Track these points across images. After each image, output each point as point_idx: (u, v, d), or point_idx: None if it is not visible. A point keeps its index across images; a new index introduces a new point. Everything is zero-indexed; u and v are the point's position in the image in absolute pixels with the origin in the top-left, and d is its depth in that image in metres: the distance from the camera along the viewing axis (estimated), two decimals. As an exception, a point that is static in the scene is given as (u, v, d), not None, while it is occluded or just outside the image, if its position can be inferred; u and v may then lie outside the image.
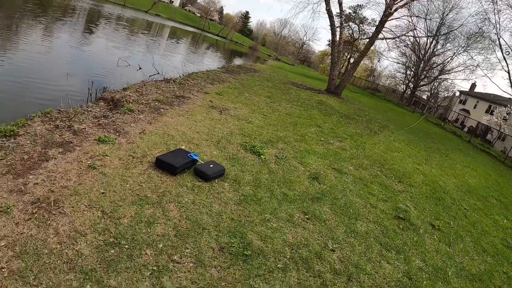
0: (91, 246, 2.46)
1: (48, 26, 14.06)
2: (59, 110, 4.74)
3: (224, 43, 58.30)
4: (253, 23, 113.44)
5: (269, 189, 4.06)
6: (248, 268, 2.66)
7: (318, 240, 3.34)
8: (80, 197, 3.02)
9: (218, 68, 16.39)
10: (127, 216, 2.90)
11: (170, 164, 3.73)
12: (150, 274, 2.36)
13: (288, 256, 2.95)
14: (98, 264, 2.32)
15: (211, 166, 3.95)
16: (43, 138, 3.78)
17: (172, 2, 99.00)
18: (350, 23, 38.49)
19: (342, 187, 4.82)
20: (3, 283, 1.99)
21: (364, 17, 39.26)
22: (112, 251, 2.46)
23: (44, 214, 2.70)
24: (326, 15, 17.88)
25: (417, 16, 23.77)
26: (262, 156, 4.97)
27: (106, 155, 3.75)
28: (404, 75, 44.15)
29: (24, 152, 3.47)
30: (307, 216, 3.71)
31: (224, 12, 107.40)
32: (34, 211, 2.71)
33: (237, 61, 26.79)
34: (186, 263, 2.55)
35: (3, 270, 2.08)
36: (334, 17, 18.22)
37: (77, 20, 21.24)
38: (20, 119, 4.09)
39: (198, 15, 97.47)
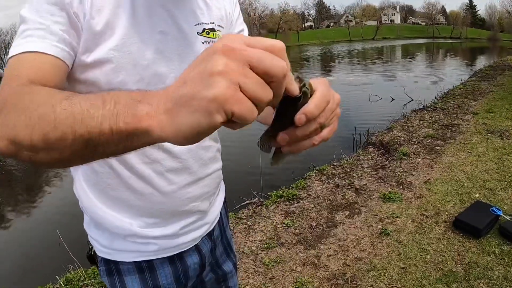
0: None
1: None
2: (333, 165, 4.61)
3: (460, 43, 51.59)
4: (481, 10, 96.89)
5: None
6: None
7: None
8: (378, 273, 2.58)
9: (470, 77, 14.08)
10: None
11: (472, 226, 2.95)
12: None
13: None
14: None
15: (519, 223, 2.93)
16: (326, 200, 3.62)
17: (393, 21, 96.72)
18: None
19: None
20: None
21: None
22: None
23: (342, 293, 2.38)
24: None
25: None
26: None
27: (397, 217, 3.22)
28: None
29: (310, 218, 3.35)
30: None
31: (448, 10, 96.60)
32: (330, 290, 2.44)
33: (482, 61, 22.73)
34: None
35: None
36: None
37: (313, 66, 23.15)
38: (300, 181, 4.11)
39: (423, 23, 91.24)
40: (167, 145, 0.85)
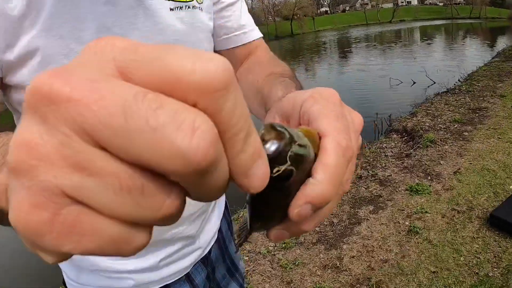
0: None
1: (308, 63, 15.23)
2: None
3: (480, 23, 49.20)
4: None
5: None
6: None
7: None
8: (406, 278, 2.30)
9: (493, 57, 13.31)
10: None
11: (509, 223, 2.59)
12: None
13: None
14: None
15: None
16: (348, 193, 3.31)
17: (410, 2, 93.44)
18: None
19: None
20: None
21: None
22: None
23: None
24: None
25: None
26: None
27: (426, 212, 2.89)
28: None
29: (332, 214, 3.06)
30: None
31: None
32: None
33: (504, 41, 21.69)
34: None
35: None
36: None
37: (330, 51, 22.55)
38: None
39: (441, 4, 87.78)
40: None
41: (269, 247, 2.76)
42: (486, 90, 7.13)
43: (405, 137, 4.65)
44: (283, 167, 0.22)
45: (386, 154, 4.09)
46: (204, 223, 0.85)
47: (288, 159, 0.22)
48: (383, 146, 4.40)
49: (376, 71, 11.98)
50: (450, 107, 5.78)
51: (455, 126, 4.79)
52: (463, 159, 3.77)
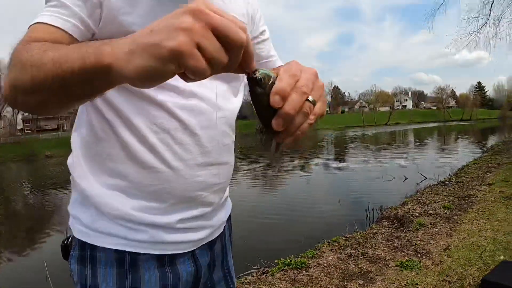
0: None
1: (307, 161, 15.83)
2: (346, 237, 4.38)
3: (471, 125, 52.09)
4: (489, 91, 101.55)
5: None
6: None
7: None
8: None
9: (483, 153, 14.09)
10: None
11: (503, 285, 2.61)
12: None
13: None
14: None
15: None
16: (337, 269, 3.37)
17: (405, 106, 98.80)
18: None
19: None
20: None
21: None
22: None
23: None
24: None
25: None
26: None
27: (416, 284, 2.93)
28: None
29: (320, 286, 3.09)
30: None
31: (457, 93, 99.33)
32: None
33: (494, 139, 23.11)
34: None
35: None
36: None
37: (327, 151, 23.56)
38: (309, 251, 3.89)
39: (434, 108, 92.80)
40: (179, 113, 0.81)
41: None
42: (475, 180, 7.41)
43: (396, 224, 4.79)
44: (258, 75, 0.50)
45: (377, 238, 4.20)
46: (219, 204, 0.97)
47: (259, 74, 0.50)
48: (374, 231, 4.51)
49: (370, 169, 12.51)
50: (440, 196, 6.00)
51: (445, 211, 4.96)
52: (452, 238, 3.88)
